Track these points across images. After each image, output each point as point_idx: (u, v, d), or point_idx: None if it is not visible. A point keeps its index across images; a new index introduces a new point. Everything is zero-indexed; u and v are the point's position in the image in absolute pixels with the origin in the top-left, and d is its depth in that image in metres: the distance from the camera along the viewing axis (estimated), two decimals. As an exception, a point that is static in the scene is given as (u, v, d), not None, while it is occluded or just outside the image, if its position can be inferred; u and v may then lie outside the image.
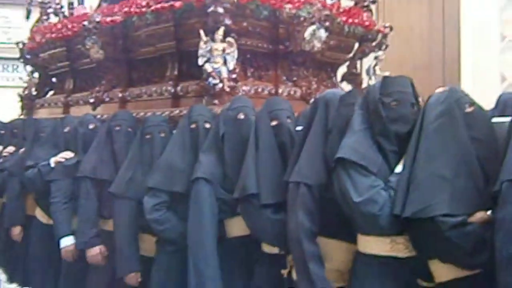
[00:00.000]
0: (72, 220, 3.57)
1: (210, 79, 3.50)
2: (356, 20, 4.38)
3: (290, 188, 2.32)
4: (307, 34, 3.94)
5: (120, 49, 4.39)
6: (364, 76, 4.78)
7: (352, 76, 4.69)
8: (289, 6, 3.84)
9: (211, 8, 3.51)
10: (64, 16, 5.53)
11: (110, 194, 3.23)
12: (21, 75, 10.69)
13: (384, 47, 4.72)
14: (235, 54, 3.59)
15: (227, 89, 3.50)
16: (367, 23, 4.51)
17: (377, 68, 4.67)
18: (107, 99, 4.52)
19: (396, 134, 2.10)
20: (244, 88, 3.73)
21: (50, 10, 5.66)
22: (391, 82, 2.22)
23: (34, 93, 5.68)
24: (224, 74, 3.51)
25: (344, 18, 4.26)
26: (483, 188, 1.89)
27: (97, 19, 4.38)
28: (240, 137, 2.78)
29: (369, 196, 1.99)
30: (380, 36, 4.67)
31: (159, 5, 3.85)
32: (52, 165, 3.75)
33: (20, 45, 5.74)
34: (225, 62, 3.55)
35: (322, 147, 2.31)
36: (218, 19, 3.51)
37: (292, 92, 3.97)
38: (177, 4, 3.74)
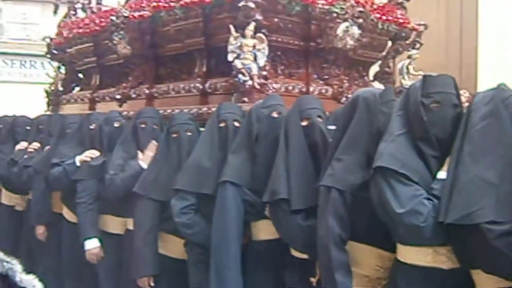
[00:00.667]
0: (98, 220, 3.51)
1: (240, 76, 3.37)
2: (390, 18, 4.21)
3: (321, 191, 2.19)
4: (339, 31, 3.80)
5: (147, 44, 4.29)
6: (397, 75, 4.59)
7: (385, 75, 4.52)
8: (322, 1, 3.70)
9: (242, 3, 3.38)
10: (92, 12, 5.46)
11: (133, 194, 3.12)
12: (38, 72, 11.53)
13: (418, 45, 4.54)
14: (266, 50, 3.46)
15: (257, 87, 3.37)
16: (401, 21, 4.33)
17: (410, 67, 4.50)
18: (133, 96, 4.42)
19: (437, 138, 1.95)
20: (274, 86, 3.59)
21: (78, 6, 5.60)
22: (433, 81, 2.04)
23: (61, 88, 5.61)
24: (254, 71, 3.37)
25: (377, 15, 4.09)
26: None
27: (125, 14, 4.30)
28: (274, 137, 2.63)
29: (412, 207, 1.84)
30: (414, 34, 4.48)
31: (188, 0, 3.73)
32: (78, 164, 3.67)
33: (47, 40, 5.66)
34: (255, 59, 3.42)
35: (363, 148, 2.15)
36: (249, 14, 3.38)
37: (323, 91, 3.82)
38: (207, -2, 3.62)
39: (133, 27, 4.25)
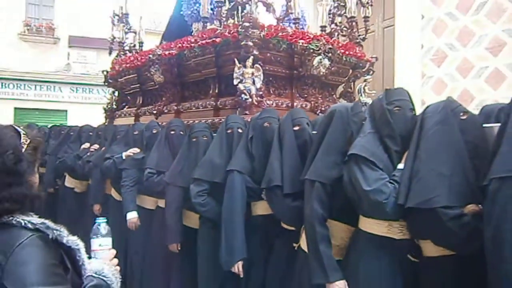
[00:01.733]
0: (137, 199, 3.39)
1: (243, 95, 3.21)
2: (351, 52, 4.04)
3: (307, 183, 2.04)
4: (315, 62, 3.64)
5: (175, 74, 4.11)
6: (356, 94, 4.42)
7: (347, 94, 4.34)
8: (302, 41, 3.53)
9: (244, 42, 3.21)
10: (136, 52, 5.29)
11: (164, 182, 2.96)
12: (95, 96, 12.36)
13: (371, 72, 4.36)
14: (261, 77, 3.29)
15: (255, 103, 3.20)
16: (359, 54, 4.16)
17: (366, 88, 4.33)
18: (166, 111, 4.24)
19: (400, 135, 1.80)
20: (268, 102, 3.41)
21: (126, 48, 5.43)
22: (393, 92, 1.91)
23: (114, 106, 5.43)
24: (253, 91, 3.21)
25: (342, 51, 3.92)
26: (474, 183, 1.57)
27: (159, 53, 4.13)
28: (265, 140, 2.50)
29: (377, 186, 1.69)
30: (368, 64, 4.31)
31: (204, 41, 3.56)
32: (124, 157, 3.55)
33: (105, 73, 5.49)
34: (253, 83, 3.26)
35: (339, 149, 1.98)
36: (249, 50, 3.21)
37: (304, 106, 3.63)
38: (218, 40, 3.45)
39: (165, 62, 4.08)
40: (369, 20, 4.35)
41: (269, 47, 3.42)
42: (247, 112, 3.19)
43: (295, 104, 3.60)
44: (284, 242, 2.36)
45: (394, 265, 1.76)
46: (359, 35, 4.40)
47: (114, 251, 1.34)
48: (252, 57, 3.24)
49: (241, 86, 3.21)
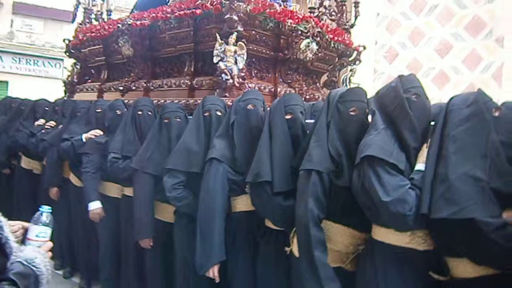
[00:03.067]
0: (99, 186, 3.02)
1: (223, 75, 2.88)
2: (340, 38, 3.78)
3: (301, 175, 1.76)
4: (302, 45, 3.34)
5: (146, 48, 3.71)
6: (340, 84, 4.18)
7: (331, 83, 4.08)
8: (290, 20, 3.22)
9: (227, 15, 2.86)
10: (103, 21, 4.81)
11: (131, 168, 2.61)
12: (39, 68, 11.72)
13: (358, 62, 4.13)
14: (245, 56, 2.96)
15: (237, 85, 2.88)
16: (347, 42, 3.91)
17: (352, 78, 4.11)
18: (133, 88, 3.84)
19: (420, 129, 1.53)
20: (250, 85, 3.09)
21: (92, 16, 4.93)
22: (408, 79, 1.64)
23: (75, 80, 4.92)
24: (235, 72, 2.88)
25: (331, 36, 3.65)
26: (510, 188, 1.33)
27: (129, 22, 3.71)
28: (249, 125, 2.21)
29: (399, 196, 1.43)
30: (355, 53, 4.07)
31: (182, 12, 3.18)
32: (84, 140, 3.15)
33: (66, 42, 4.96)
34: (235, 62, 2.92)
35: (326, 139, 1.73)
36: (233, 25, 2.87)
37: (287, 91, 3.34)
38: (198, 11, 3.08)
39: (135, 33, 3.67)
40: (359, 5, 4.09)
41: (255, 24, 3.09)
42: (227, 94, 2.87)
43: (278, 89, 3.31)
44: (271, 244, 2.09)
45: (419, 281, 1.51)
46: (347, 21, 4.15)
47: (50, 244, 1.29)
48: (236, 33, 2.91)
49: (221, 64, 2.88)
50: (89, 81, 4.81)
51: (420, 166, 1.49)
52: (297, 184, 1.77)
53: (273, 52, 3.36)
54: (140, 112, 2.87)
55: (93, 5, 4.96)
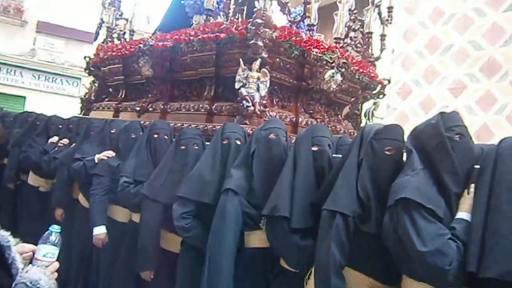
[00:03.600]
0: (108, 210, 2.89)
1: (244, 102, 2.77)
2: (365, 71, 3.67)
3: (324, 215, 1.60)
4: (327, 76, 3.23)
5: (166, 69, 3.65)
6: (362, 117, 4.04)
7: (354, 116, 3.96)
8: (316, 50, 3.13)
9: (252, 41, 2.78)
10: (125, 40, 4.81)
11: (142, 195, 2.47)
12: (58, 86, 11.95)
13: (382, 96, 4.01)
14: (267, 83, 2.86)
15: (258, 112, 2.76)
16: (372, 74, 3.80)
17: (375, 112, 3.97)
18: (150, 109, 3.76)
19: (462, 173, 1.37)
20: (271, 113, 2.98)
21: (114, 35, 4.93)
22: (451, 117, 1.49)
23: (93, 98, 4.89)
24: (257, 99, 2.77)
25: (356, 68, 3.54)
26: None
27: (151, 43, 3.67)
28: (270, 155, 2.06)
29: (437, 246, 1.26)
30: (379, 86, 3.96)
31: (206, 35, 3.11)
32: (96, 161, 3.04)
33: (87, 59, 4.96)
34: (258, 89, 2.82)
35: (355, 178, 1.58)
36: (257, 51, 2.78)
37: (309, 122, 3.22)
38: (222, 35, 3.01)
39: (157, 54, 3.62)
40: (385, 39, 4.00)
41: (279, 51, 3.01)
42: (247, 121, 2.75)
43: (300, 119, 3.18)
44: (284, 285, 1.91)
45: None
46: (372, 54, 4.06)
47: (57, 264, 1.26)
48: (260, 59, 2.81)
49: (243, 90, 2.77)
50: (106, 99, 4.76)
51: (462, 214, 1.32)
52: (320, 224, 1.62)
53: (296, 81, 3.25)
54: (156, 136, 2.75)
55: (116, 25, 4.97)
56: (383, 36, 3.98)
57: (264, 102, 2.85)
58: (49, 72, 11.80)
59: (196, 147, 2.47)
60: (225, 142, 2.25)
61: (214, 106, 3.14)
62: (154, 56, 3.65)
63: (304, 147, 1.89)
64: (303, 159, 1.86)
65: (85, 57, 5.05)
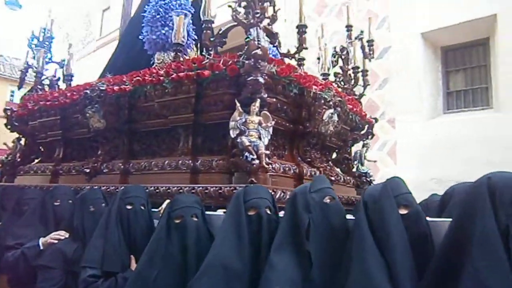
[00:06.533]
0: None
1: (247, 154, 2.16)
2: (357, 109, 3.29)
3: None
4: (325, 117, 2.78)
5: (124, 119, 2.95)
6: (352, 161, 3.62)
7: (344, 161, 3.52)
8: (314, 87, 2.66)
9: (251, 77, 2.24)
10: (59, 88, 3.99)
11: None
12: None
13: (370, 136, 3.64)
14: (271, 129, 2.31)
15: (265, 166, 2.17)
16: (363, 113, 3.44)
17: (366, 154, 3.58)
18: (105, 170, 2.98)
19: None
20: (275, 166, 2.41)
21: (45, 82, 4.09)
22: None
23: (18, 159, 3.92)
24: (262, 149, 2.19)
25: (350, 106, 3.15)
26: None
27: (102, 88, 2.97)
28: (329, 227, 1.48)
29: None
30: (367, 126, 3.60)
31: (182, 74, 2.50)
32: (41, 247, 2.18)
33: (9, 112, 4.03)
34: (259, 137, 2.25)
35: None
36: (258, 89, 2.24)
37: (313, 173, 2.69)
38: (206, 72, 2.42)
39: (110, 101, 2.92)
40: (367, 74, 3.70)
41: (277, 89, 2.49)
42: (253, 179, 2.14)
43: (304, 170, 2.64)
44: None
45: None
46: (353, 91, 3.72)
47: None
48: (259, 100, 2.27)
49: (245, 140, 2.18)
50: (37, 161, 3.85)
51: None
52: None
53: (292, 124, 2.74)
54: (129, 207, 2.05)
55: (45, 69, 4.16)
56: (364, 72, 3.67)
57: (268, 152, 2.27)
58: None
59: (196, 220, 1.82)
60: (251, 213, 1.62)
61: (198, 162, 2.49)
62: (107, 104, 2.95)
63: (388, 211, 1.33)
64: (392, 228, 1.30)
65: (5, 110, 4.12)
